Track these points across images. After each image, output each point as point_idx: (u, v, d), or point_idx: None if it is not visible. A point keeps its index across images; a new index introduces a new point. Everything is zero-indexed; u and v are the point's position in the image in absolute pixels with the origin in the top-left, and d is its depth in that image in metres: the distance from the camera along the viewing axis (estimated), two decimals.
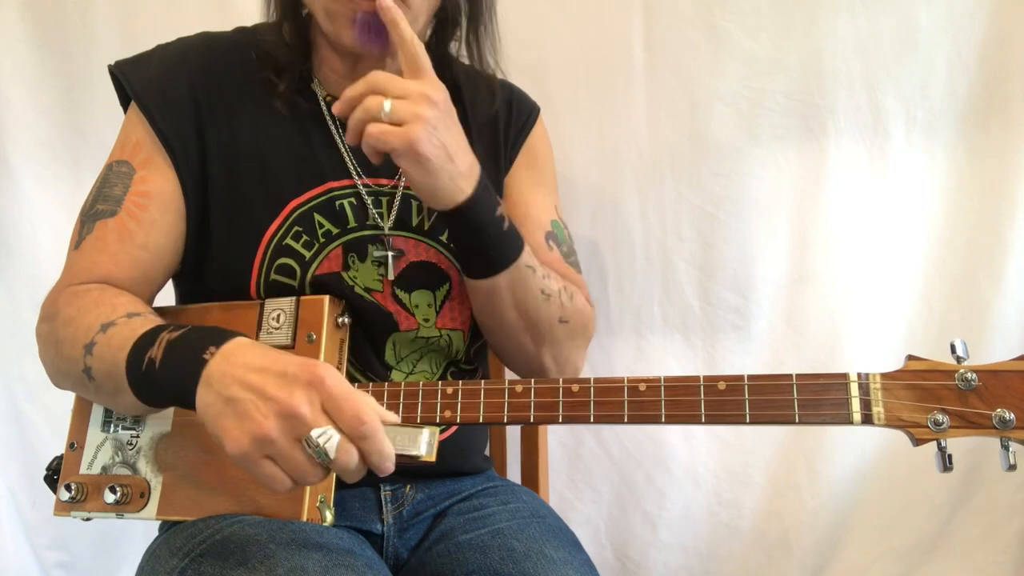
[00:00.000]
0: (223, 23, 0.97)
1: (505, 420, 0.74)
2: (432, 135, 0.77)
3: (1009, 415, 0.62)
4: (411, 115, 0.75)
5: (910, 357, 0.66)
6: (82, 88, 1.37)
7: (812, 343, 1.29)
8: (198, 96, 0.88)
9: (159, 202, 0.87)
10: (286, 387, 0.62)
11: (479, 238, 0.84)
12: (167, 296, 1.00)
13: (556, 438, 1.38)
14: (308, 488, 0.77)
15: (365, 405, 0.63)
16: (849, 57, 1.23)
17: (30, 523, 1.45)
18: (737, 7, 1.24)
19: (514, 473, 1.21)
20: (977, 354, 0.67)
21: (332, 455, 0.62)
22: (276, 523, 0.78)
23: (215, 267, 0.89)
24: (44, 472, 0.89)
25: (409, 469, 0.92)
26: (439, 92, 0.79)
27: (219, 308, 0.88)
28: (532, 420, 0.73)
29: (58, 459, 0.89)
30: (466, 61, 1.00)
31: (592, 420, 0.71)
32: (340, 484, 0.83)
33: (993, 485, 1.26)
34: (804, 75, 1.24)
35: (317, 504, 0.78)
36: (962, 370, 0.63)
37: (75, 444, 0.87)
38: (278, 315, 0.84)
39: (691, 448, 1.35)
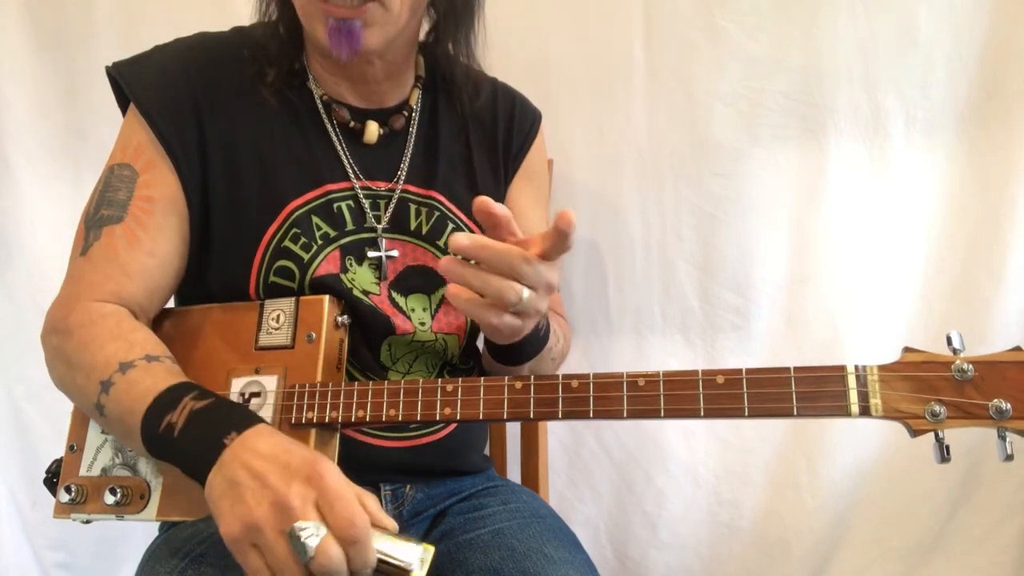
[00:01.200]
0: (223, 23, 0.97)
1: (505, 416, 0.74)
2: (538, 321, 0.77)
3: (1006, 405, 0.62)
4: (535, 310, 0.73)
5: (907, 349, 0.66)
6: (82, 88, 1.37)
7: (812, 343, 1.29)
8: (197, 98, 0.88)
9: (163, 206, 0.86)
10: (285, 478, 0.63)
11: (518, 350, 0.87)
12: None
13: (556, 438, 1.38)
14: None
15: (359, 510, 0.62)
16: (849, 57, 1.23)
17: (30, 523, 1.45)
18: (737, 7, 1.24)
19: (514, 473, 1.21)
20: (977, 353, 0.68)
21: (310, 553, 0.60)
22: None
23: (215, 269, 0.89)
24: (44, 474, 0.89)
25: (409, 468, 0.93)
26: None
27: (220, 309, 0.88)
28: (532, 416, 0.73)
29: (57, 462, 0.89)
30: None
31: (592, 415, 0.71)
32: None
33: (993, 485, 1.26)
34: (804, 75, 1.24)
35: None
36: (958, 361, 0.64)
37: (75, 446, 0.87)
38: (278, 315, 0.84)
39: (691, 448, 1.35)
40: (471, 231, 0.96)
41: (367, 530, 0.62)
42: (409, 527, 0.93)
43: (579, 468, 1.40)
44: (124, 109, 0.91)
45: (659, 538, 1.37)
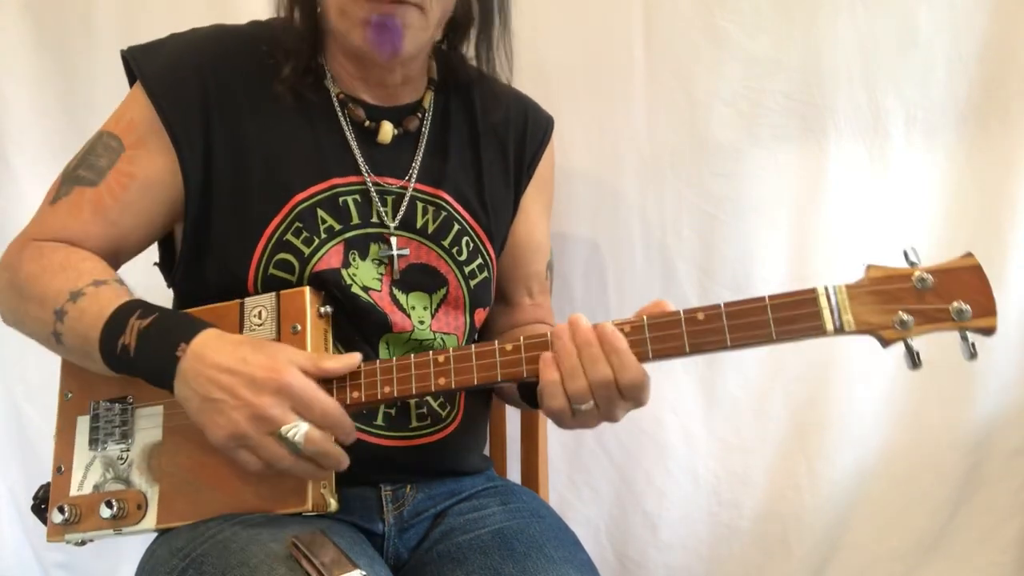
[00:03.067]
0: (223, 22, 0.97)
1: (499, 379, 0.76)
2: None
3: (965, 306, 0.67)
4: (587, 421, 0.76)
5: (869, 266, 0.70)
6: (82, 88, 1.37)
7: (812, 342, 1.28)
8: (208, 88, 0.88)
9: (141, 186, 0.88)
10: (255, 392, 0.73)
11: None
12: (162, 292, 1.00)
13: (556, 438, 1.38)
14: (310, 480, 0.78)
15: (328, 401, 0.75)
16: (849, 57, 1.23)
17: (30, 523, 1.45)
18: (737, 7, 1.24)
19: (514, 473, 1.21)
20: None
21: (301, 447, 0.73)
22: (277, 522, 0.78)
23: (214, 259, 0.89)
24: (31, 501, 0.89)
25: (409, 468, 0.93)
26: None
27: (198, 313, 0.86)
28: (525, 375, 0.75)
29: (44, 487, 0.88)
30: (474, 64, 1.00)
31: None
32: (340, 483, 0.83)
33: (993, 485, 1.26)
34: (804, 75, 1.24)
35: (321, 490, 0.79)
36: (918, 272, 0.68)
37: (62, 468, 0.86)
38: (259, 311, 0.85)
39: (691, 448, 1.35)
40: (475, 233, 0.97)
41: (339, 413, 0.75)
42: (409, 527, 0.93)
43: (579, 468, 1.40)
44: None
45: (659, 538, 1.37)
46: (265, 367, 0.74)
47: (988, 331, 0.68)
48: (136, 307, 0.79)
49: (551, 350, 0.74)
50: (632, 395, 0.73)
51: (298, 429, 0.73)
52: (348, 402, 0.79)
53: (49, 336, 0.83)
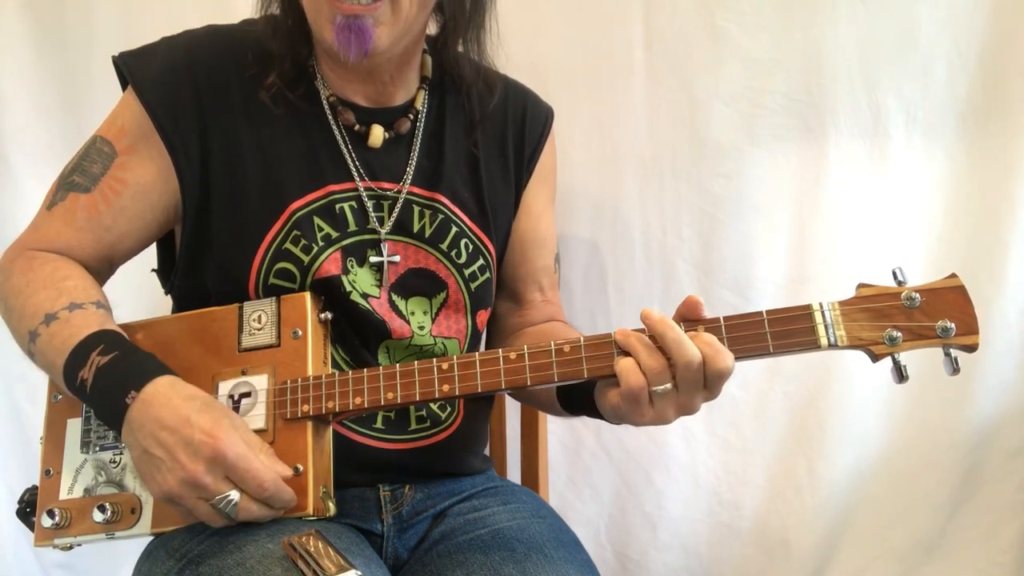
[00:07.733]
0: (223, 22, 0.96)
1: (503, 386, 0.76)
2: None
3: (950, 324, 0.70)
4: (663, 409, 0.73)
5: (861, 285, 0.73)
6: (82, 88, 1.37)
7: None
8: (201, 92, 0.88)
9: (133, 191, 0.88)
10: (191, 458, 0.73)
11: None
12: (160, 298, 0.99)
13: (556, 438, 1.38)
14: (311, 481, 0.78)
15: (264, 472, 0.74)
16: (849, 57, 1.22)
17: None
18: (737, 7, 1.24)
19: (514, 473, 1.21)
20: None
21: (234, 516, 0.74)
22: (274, 523, 0.78)
23: (213, 267, 0.89)
24: (16, 505, 0.87)
25: (409, 470, 0.93)
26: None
27: (195, 317, 0.87)
28: (529, 383, 0.76)
29: (30, 491, 0.87)
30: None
31: (586, 375, 0.75)
32: (339, 483, 0.83)
33: (993, 485, 1.26)
34: (804, 75, 1.24)
35: (320, 495, 0.78)
36: (906, 291, 0.72)
37: (51, 471, 0.86)
38: (259, 316, 0.84)
39: (691, 448, 1.35)
40: (474, 234, 0.96)
41: (276, 484, 0.74)
42: (409, 527, 0.93)
43: (579, 468, 1.40)
44: None
45: (659, 538, 1.37)
46: (205, 431, 0.73)
47: (971, 348, 0.70)
48: (100, 341, 0.79)
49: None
50: (714, 384, 0.73)
51: (229, 501, 0.73)
52: (351, 407, 0.78)
53: (26, 352, 0.85)
